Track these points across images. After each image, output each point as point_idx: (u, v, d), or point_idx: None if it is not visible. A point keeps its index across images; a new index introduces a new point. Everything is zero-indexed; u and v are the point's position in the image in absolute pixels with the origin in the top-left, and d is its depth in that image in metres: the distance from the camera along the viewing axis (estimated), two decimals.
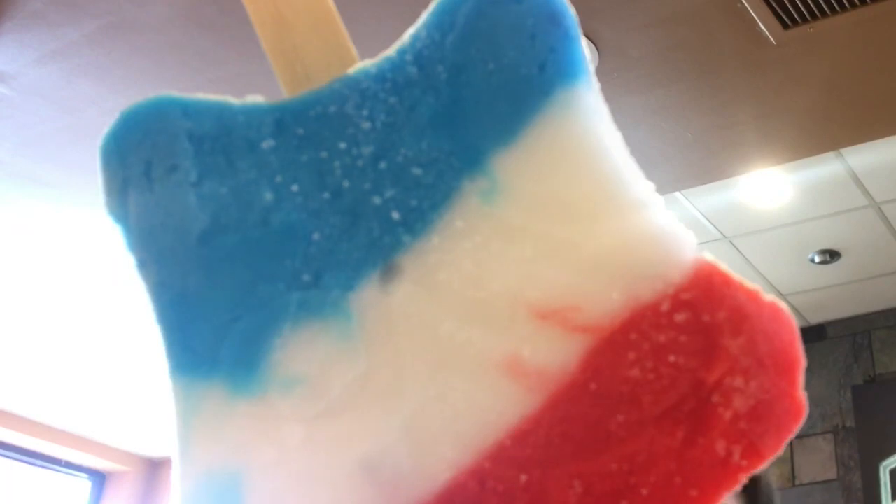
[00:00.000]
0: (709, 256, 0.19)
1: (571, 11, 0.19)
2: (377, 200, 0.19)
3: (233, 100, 0.20)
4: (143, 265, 0.20)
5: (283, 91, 0.22)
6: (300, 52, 0.21)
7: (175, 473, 0.19)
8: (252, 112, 0.20)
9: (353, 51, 0.22)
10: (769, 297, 0.19)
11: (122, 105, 0.21)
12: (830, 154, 1.65)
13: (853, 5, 1.24)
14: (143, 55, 1.40)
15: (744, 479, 0.18)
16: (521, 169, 0.19)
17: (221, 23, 1.32)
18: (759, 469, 0.18)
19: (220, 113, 0.20)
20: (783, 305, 0.19)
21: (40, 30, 1.43)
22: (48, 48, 1.44)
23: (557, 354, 0.18)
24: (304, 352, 0.19)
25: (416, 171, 0.19)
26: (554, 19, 0.19)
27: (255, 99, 0.20)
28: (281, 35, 0.22)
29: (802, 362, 0.18)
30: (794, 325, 0.19)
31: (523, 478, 0.18)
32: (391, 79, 0.19)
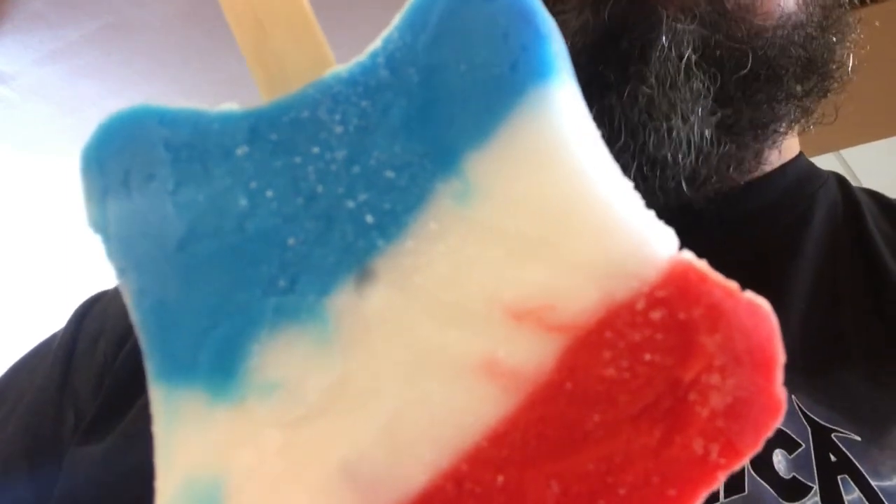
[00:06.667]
0: (686, 254, 0.19)
1: (543, 10, 0.20)
2: (351, 204, 0.19)
3: (208, 108, 0.21)
4: (122, 273, 0.21)
5: (262, 97, 0.23)
6: (278, 58, 0.22)
7: (157, 479, 0.19)
8: (226, 119, 0.20)
9: (331, 56, 0.23)
10: (747, 293, 0.19)
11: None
12: (830, 154, 1.65)
13: (853, 6, 1.24)
14: (143, 56, 1.42)
15: (722, 478, 0.19)
16: (495, 169, 0.19)
17: (221, 24, 1.33)
18: (738, 467, 0.18)
19: (196, 121, 0.21)
20: (762, 301, 0.19)
21: (40, 31, 1.46)
22: (48, 49, 1.47)
23: (533, 355, 0.19)
24: (281, 357, 0.19)
25: (390, 174, 0.19)
26: (526, 17, 0.19)
27: (230, 106, 0.21)
28: (259, 41, 0.22)
29: (781, 359, 0.19)
30: (773, 321, 0.19)
31: (500, 479, 0.18)
32: (363, 82, 0.20)
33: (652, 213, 0.21)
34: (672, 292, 0.19)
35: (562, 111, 0.20)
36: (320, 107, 0.20)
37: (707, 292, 0.19)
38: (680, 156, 0.39)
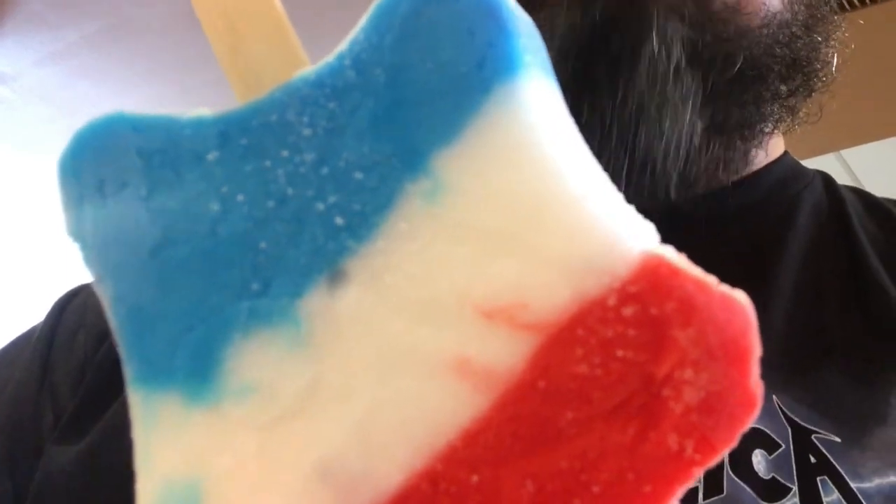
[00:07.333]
0: (660, 248, 0.20)
1: (509, 6, 0.20)
2: (321, 207, 0.20)
3: (181, 114, 0.22)
4: (100, 280, 0.21)
5: (238, 101, 0.23)
6: (252, 63, 0.22)
7: (137, 483, 0.20)
8: (198, 125, 0.21)
9: (305, 58, 0.23)
10: (721, 286, 0.19)
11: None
12: (830, 155, 1.66)
13: (853, 6, 1.24)
14: (142, 56, 1.43)
15: (698, 474, 0.19)
16: (464, 167, 0.20)
17: None
18: (713, 462, 0.19)
19: (168, 127, 0.21)
20: (737, 294, 0.19)
21: (40, 32, 1.48)
22: (48, 50, 1.49)
23: (505, 353, 0.19)
24: (255, 360, 0.20)
25: (359, 175, 0.20)
26: (491, 14, 0.20)
27: (202, 111, 0.21)
28: (234, 46, 0.23)
29: (756, 352, 0.19)
30: (748, 314, 0.19)
31: (475, 478, 0.19)
32: (330, 84, 0.20)
33: (630, 208, 0.21)
34: (643, 287, 0.19)
35: (532, 106, 0.20)
36: (288, 109, 0.20)
37: (679, 286, 0.19)
38: (671, 156, 0.39)
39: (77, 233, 0.22)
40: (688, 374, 0.18)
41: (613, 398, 0.19)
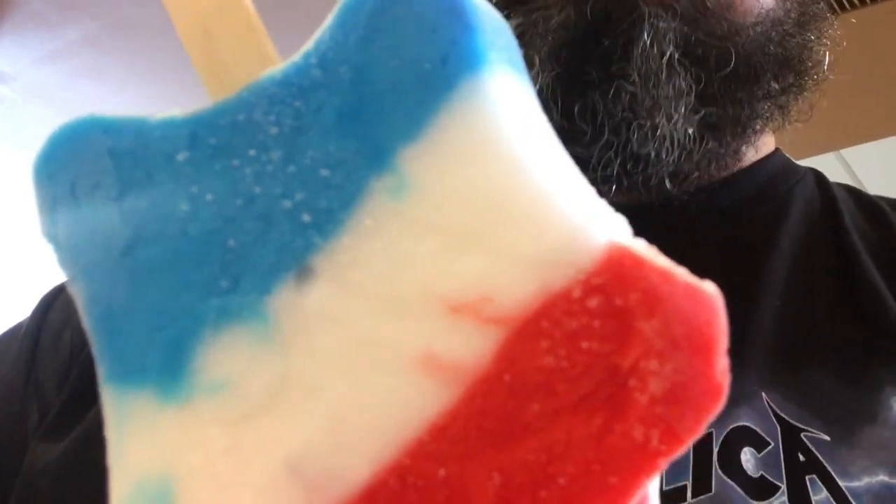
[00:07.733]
0: (626, 240, 0.20)
1: (473, 2, 0.20)
2: (287, 204, 0.20)
3: (151, 116, 0.22)
4: (73, 281, 0.22)
5: (211, 101, 0.24)
6: (227, 66, 0.23)
7: (110, 481, 0.21)
8: (168, 126, 0.21)
9: (277, 58, 0.23)
10: (686, 276, 0.19)
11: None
12: (830, 154, 1.66)
13: (853, 6, 1.25)
14: (142, 56, 1.44)
15: (664, 465, 0.19)
16: (428, 164, 0.20)
17: None
18: (679, 453, 0.19)
19: (139, 129, 0.22)
20: (704, 284, 0.19)
21: (40, 31, 1.49)
22: (48, 49, 1.50)
23: (471, 347, 0.19)
24: (225, 357, 0.20)
25: (325, 172, 0.20)
26: (453, 11, 0.20)
27: (173, 112, 0.22)
28: (209, 50, 0.23)
29: (721, 342, 0.19)
30: (715, 303, 0.19)
31: (442, 472, 0.19)
32: (296, 83, 0.21)
33: (602, 202, 0.21)
34: (608, 279, 0.19)
35: (496, 101, 0.20)
36: (255, 109, 0.21)
37: (643, 277, 0.19)
38: (664, 153, 0.40)
39: (51, 234, 0.22)
40: (653, 364, 0.19)
41: (579, 390, 0.19)
